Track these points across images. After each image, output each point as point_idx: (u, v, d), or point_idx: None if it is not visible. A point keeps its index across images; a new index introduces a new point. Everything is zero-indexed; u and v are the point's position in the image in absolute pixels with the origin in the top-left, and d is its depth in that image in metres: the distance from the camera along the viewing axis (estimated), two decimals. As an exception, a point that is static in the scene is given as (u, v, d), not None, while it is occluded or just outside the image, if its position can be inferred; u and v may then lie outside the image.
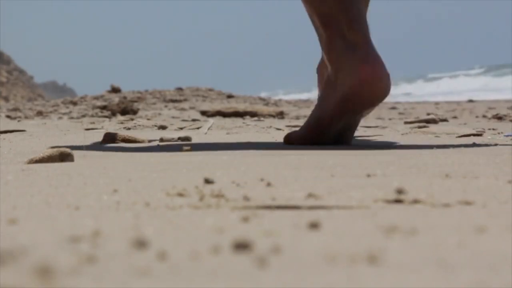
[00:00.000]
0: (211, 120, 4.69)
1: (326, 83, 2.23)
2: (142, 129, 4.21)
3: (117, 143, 2.75)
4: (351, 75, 2.10)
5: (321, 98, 2.27)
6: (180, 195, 1.31)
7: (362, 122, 5.00)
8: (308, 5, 2.20)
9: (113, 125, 4.70)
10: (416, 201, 1.22)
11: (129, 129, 4.22)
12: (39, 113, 7.56)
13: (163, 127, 4.24)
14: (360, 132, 3.45)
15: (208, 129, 3.88)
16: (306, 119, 4.52)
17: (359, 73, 2.08)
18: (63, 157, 2.01)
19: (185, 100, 10.48)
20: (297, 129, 2.64)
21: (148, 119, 5.62)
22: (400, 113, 7.04)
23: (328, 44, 2.16)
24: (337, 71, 2.15)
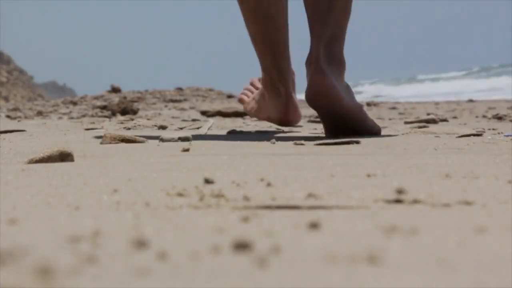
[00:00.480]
0: (211, 120, 4.69)
1: (268, 88, 3.05)
2: (142, 129, 4.21)
3: (116, 143, 2.75)
4: (275, 112, 3.02)
5: (265, 94, 3.09)
6: (180, 195, 1.31)
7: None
8: (256, 53, 3.06)
9: (113, 125, 4.70)
10: (416, 201, 1.22)
11: (129, 129, 4.22)
12: (39, 113, 7.56)
13: (163, 127, 4.23)
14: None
15: (208, 129, 3.87)
16: (305, 119, 4.53)
17: (280, 113, 3.00)
18: (63, 157, 2.01)
19: (185, 100, 10.48)
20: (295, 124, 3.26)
21: (148, 119, 5.62)
22: (400, 113, 7.04)
23: (264, 82, 3.04)
24: (269, 99, 3.06)
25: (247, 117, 6.11)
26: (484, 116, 5.96)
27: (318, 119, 4.71)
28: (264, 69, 2.96)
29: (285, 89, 2.94)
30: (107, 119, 5.82)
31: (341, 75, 2.62)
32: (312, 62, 2.58)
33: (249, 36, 2.95)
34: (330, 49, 2.58)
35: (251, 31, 2.94)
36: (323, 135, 2.85)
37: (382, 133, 3.28)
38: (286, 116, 2.98)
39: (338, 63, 2.62)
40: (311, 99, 2.59)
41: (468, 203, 1.20)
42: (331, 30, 2.58)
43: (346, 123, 2.70)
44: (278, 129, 4.00)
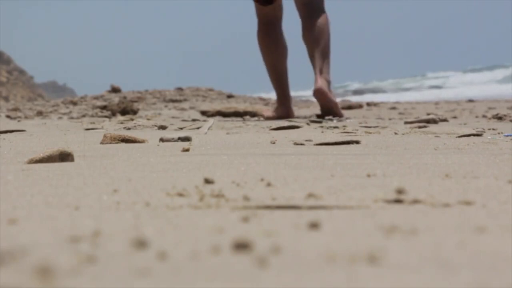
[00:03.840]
0: (211, 120, 4.69)
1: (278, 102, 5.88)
2: (142, 129, 4.21)
3: (117, 143, 2.76)
4: (283, 113, 5.60)
5: (278, 106, 5.79)
6: (180, 195, 1.31)
7: (363, 122, 5.01)
8: (272, 86, 5.92)
9: (113, 125, 4.70)
10: (416, 201, 1.22)
11: (129, 129, 4.22)
12: (39, 113, 7.56)
13: (163, 127, 4.24)
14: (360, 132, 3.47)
15: (208, 129, 3.88)
16: (306, 119, 4.69)
17: (285, 114, 5.60)
18: (63, 157, 2.01)
19: (185, 100, 10.49)
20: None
21: (148, 119, 5.62)
22: (400, 113, 7.04)
23: (277, 100, 5.82)
24: (279, 107, 5.71)
25: (247, 117, 6.14)
26: (484, 116, 5.96)
27: (317, 120, 4.83)
28: (277, 94, 5.76)
29: (287, 102, 5.71)
30: (107, 119, 5.82)
31: (329, 87, 5.39)
32: (316, 82, 5.33)
33: (268, 76, 5.78)
34: (324, 76, 5.34)
35: (269, 75, 5.73)
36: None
37: (382, 133, 3.30)
38: (288, 115, 5.61)
39: (328, 81, 5.39)
40: (318, 97, 5.34)
41: (468, 203, 1.20)
42: (323, 69, 5.35)
43: (330, 108, 5.36)
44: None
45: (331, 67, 5.40)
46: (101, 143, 2.80)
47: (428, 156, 2.01)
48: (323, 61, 5.33)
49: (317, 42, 5.33)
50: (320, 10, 5.38)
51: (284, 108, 5.63)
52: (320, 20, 5.35)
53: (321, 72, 5.29)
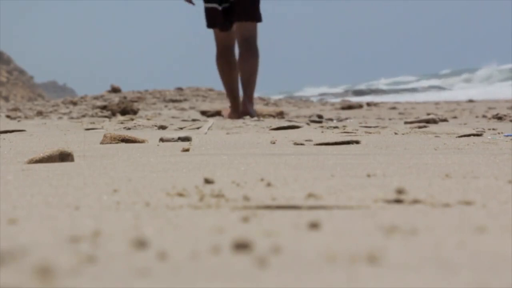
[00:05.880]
0: (211, 120, 4.68)
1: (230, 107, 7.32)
2: (142, 129, 4.21)
3: (117, 143, 2.76)
4: (236, 115, 6.71)
5: (232, 109, 7.11)
6: (180, 195, 1.31)
7: (363, 122, 5.01)
8: (227, 94, 7.49)
9: (113, 125, 4.70)
10: (416, 201, 1.22)
11: (129, 129, 4.22)
12: (39, 113, 7.56)
13: (163, 127, 4.24)
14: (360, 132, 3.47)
15: (208, 129, 3.87)
16: (305, 118, 4.65)
17: (238, 114, 6.66)
18: (63, 157, 2.01)
19: (185, 100, 10.49)
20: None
21: (148, 119, 5.62)
22: (400, 113, 7.04)
23: (231, 105, 7.06)
24: (233, 110, 6.94)
25: (247, 117, 6.16)
26: (484, 116, 5.96)
27: (317, 120, 4.84)
28: (230, 102, 6.99)
29: (239, 106, 6.80)
30: (107, 119, 5.82)
31: (252, 106, 6.77)
32: (243, 103, 6.73)
33: (224, 89, 7.29)
34: (249, 99, 6.74)
35: (225, 89, 7.09)
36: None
37: (382, 133, 3.30)
38: (240, 115, 6.54)
39: (252, 103, 6.79)
40: (241, 114, 6.63)
41: (468, 203, 1.20)
42: (248, 92, 6.82)
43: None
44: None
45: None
46: (101, 143, 2.80)
47: (428, 156, 2.01)
48: (251, 88, 6.95)
49: (248, 73, 6.92)
50: (255, 47, 6.94)
51: (237, 111, 7.04)
52: (253, 57, 6.92)
53: (248, 96, 6.87)
